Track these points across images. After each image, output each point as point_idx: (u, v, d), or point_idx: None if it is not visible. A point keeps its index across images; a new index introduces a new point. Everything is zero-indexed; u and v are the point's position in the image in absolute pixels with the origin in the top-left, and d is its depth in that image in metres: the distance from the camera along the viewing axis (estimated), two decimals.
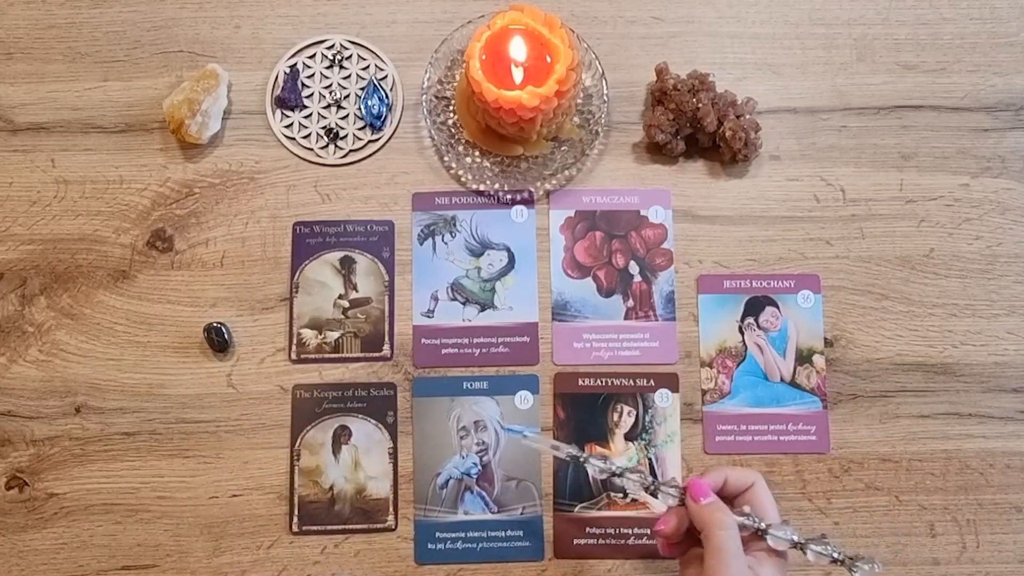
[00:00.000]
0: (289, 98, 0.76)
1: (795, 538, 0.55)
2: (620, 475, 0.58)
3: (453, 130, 0.76)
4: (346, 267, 0.74)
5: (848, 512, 0.70)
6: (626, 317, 0.73)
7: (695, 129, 0.74)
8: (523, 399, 0.72)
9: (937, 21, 0.79)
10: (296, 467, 0.70)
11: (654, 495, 0.58)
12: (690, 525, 0.56)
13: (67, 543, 0.69)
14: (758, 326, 0.73)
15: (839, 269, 0.74)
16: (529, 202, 0.75)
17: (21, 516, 0.70)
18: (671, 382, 0.72)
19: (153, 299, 0.73)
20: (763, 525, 0.55)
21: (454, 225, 0.75)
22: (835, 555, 0.56)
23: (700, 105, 0.73)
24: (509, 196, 0.75)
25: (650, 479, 0.58)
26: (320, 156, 0.76)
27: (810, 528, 0.69)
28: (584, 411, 0.71)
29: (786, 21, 0.79)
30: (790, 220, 0.75)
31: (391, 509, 0.70)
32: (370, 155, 0.76)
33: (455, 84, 0.76)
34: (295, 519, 0.70)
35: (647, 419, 0.71)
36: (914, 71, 0.78)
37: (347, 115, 0.77)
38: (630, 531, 0.70)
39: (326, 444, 0.71)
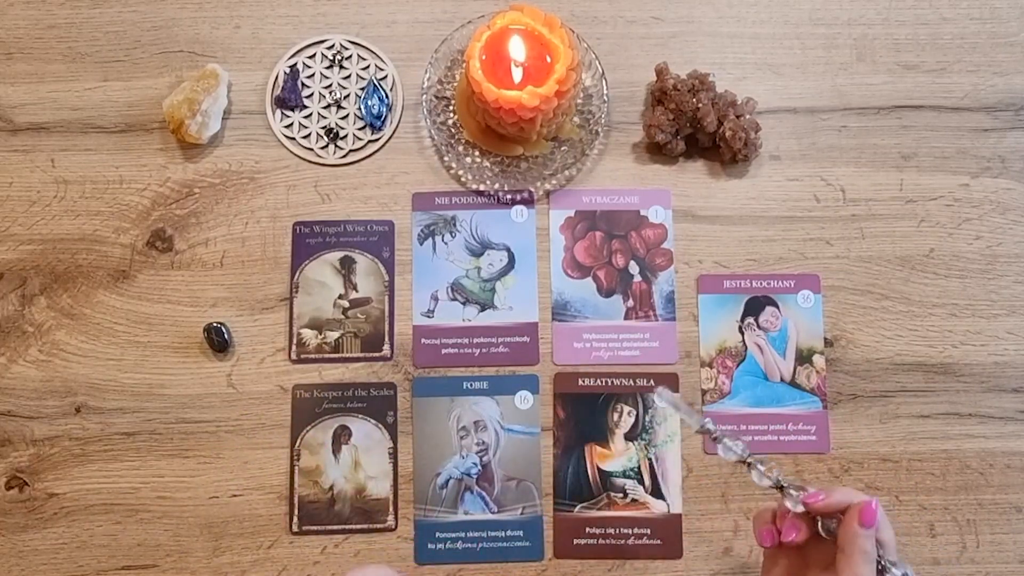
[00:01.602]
0: (289, 98, 0.76)
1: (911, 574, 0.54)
2: (750, 464, 0.56)
3: (453, 130, 0.76)
4: (346, 267, 0.74)
5: None
6: (626, 317, 0.73)
7: (695, 129, 0.74)
8: (523, 399, 0.71)
9: (937, 21, 0.79)
10: (296, 467, 0.70)
11: (782, 492, 0.55)
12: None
13: (67, 543, 0.69)
14: (758, 326, 0.73)
15: (839, 269, 0.74)
16: (529, 202, 0.75)
17: (21, 516, 0.70)
18: (671, 382, 0.72)
19: (153, 299, 0.73)
20: (884, 562, 0.53)
21: (454, 225, 0.75)
22: None
23: (700, 105, 0.73)
24: (509, 196, 0.75)
25: (779, 476, 0.56)
26: (320, 156, 0.76)
27: None
28: (584, 411, 0.71)
29: (786, 21, 0.79)
30: (790, 220, 0.75)
31: (391, 509, 0.70)
32: (370, 155, 0.76)
33: (455, 84, 0.76)
34: (295, 519, 0.70)
35: (647, 419, 0.71)
36: (914, 71, 0.78)
37: (347, 115, 0.77)
38: (630, 531, 0.70)
39: (326, 444, 0.71)
